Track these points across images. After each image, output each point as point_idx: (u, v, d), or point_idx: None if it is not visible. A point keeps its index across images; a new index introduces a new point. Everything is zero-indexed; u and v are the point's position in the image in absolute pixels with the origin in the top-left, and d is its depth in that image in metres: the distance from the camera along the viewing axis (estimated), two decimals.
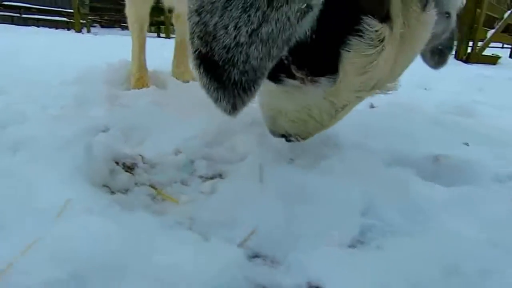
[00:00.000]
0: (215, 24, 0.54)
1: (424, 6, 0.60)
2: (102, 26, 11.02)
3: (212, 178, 0.85)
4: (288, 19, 0.52)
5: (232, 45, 0.54)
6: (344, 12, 0.57)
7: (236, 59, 0.54)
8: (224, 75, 0.55)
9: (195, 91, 1.73)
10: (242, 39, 0.53)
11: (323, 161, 0.85)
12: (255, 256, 0.58)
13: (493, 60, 5.28)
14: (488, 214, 0.66)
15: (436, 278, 0.51)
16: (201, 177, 0.86)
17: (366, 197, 0.72)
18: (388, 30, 0.58)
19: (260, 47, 0.53)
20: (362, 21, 0.56)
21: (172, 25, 2.42)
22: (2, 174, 0.70)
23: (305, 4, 0.53)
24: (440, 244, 0.58)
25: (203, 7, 0.55)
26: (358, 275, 0.51)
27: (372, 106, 1.61)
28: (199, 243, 0.56)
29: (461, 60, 5.04)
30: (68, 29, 9.62)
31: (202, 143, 0.98)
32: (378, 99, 1.36)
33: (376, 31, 0.57)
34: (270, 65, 0.56)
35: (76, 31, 8.66)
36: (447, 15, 0.72)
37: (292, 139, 0.83)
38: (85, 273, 0.44)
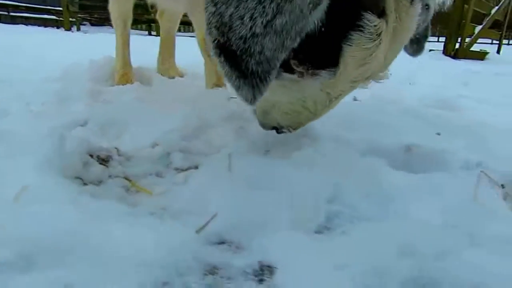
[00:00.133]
0: (230, 15, 0.56)
1: (412, 0, 0.64)
2: (92, 24, 10.88)
3: (187, 169, 0.86)
4: (301, 10, 0.54)
5: (248, 35, 0.55)
6: (346, 8, 0.60)
7: (252, 49, 0.56)
8: (242, 65, 0.57)
9: (179, 87, 1.74)
10: (258, 30, 0.55)
11: (298, 152, 0.86)
12: (221, 242, 0.59)
13: (481, 56, 5.33)
14: (451, 199, 0.68)
15: (393, 259, 0.53)
16: (176, 169, 0.87)
17: (336, 185, 0.74)
18: (384, 24, 0.62)
19: (274, 38, 0.55)
20: (362, 16, 0.59)
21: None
22: None
23: None
24: (401, 227, 0.60)
25: None
26: (316, 257, 0.53)
27: (355, 99, 1.63)
28: (159, 228, 0.56)
29: (449, 55, 5.08)
30: (58, 28, 9.51)
31: (179, 136, 0.99)
32: (362, 92, 1.37)
33: (375, 25, 0.60)
34: (282, 56, 0.57)
35: (66, 30, 8.55)
36: (426, 7, 0.76)
37: (284, 130, 0.85)
38: (33, 253, 0.44)
